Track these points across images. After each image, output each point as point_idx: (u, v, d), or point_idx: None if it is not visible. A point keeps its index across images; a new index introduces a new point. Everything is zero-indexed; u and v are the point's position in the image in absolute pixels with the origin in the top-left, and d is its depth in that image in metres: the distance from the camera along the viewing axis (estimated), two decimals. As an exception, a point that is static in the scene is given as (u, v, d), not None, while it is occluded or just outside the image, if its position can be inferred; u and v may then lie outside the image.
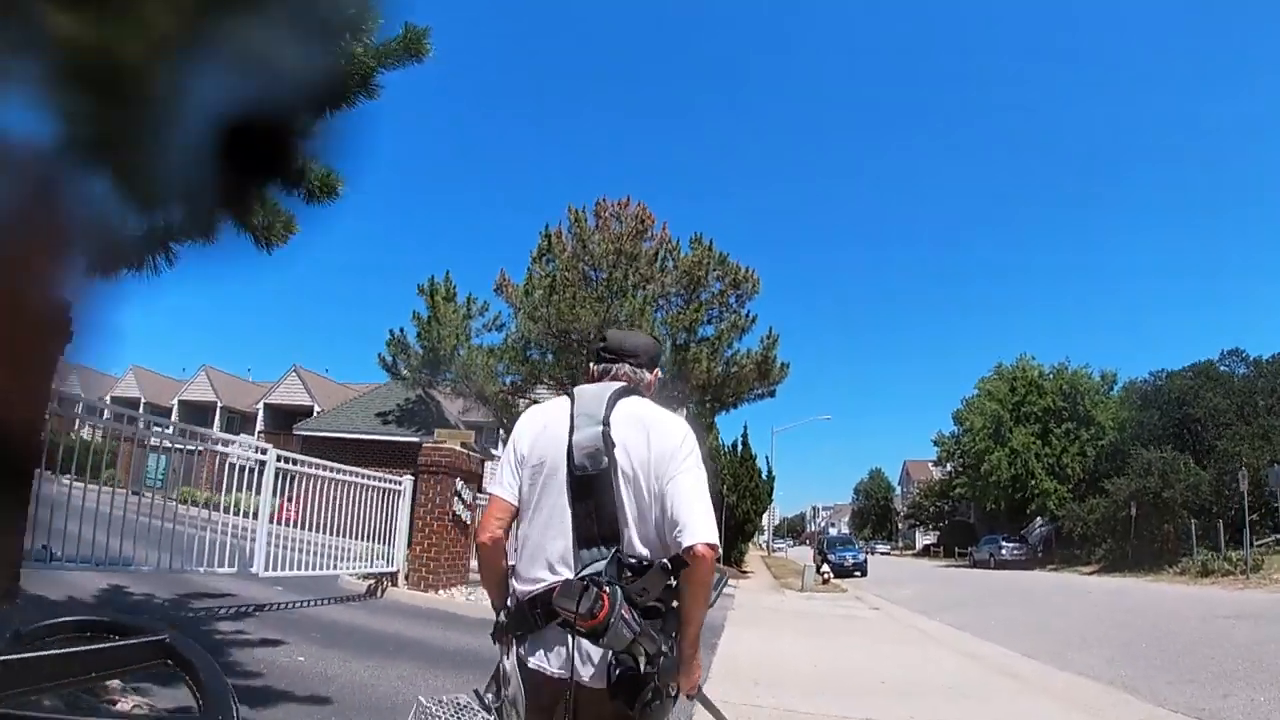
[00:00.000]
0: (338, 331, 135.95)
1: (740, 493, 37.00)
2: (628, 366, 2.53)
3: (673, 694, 2.26)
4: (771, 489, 42.06)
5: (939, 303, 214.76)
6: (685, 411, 24.19)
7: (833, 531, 69.42)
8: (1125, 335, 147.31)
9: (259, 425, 44.08)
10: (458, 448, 13.75)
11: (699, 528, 2.16)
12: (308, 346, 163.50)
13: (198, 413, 44.50)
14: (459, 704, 2.26)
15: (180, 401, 47.13)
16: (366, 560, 12.72)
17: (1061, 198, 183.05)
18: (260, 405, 46.00)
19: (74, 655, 1.09)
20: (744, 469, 37.99)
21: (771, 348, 21.81)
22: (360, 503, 12.61)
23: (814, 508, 72.34)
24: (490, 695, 2.34)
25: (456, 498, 13.28)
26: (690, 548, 2.12)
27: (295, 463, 11.45)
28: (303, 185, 4.49)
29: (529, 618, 2.30)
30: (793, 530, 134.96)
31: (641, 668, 2.11)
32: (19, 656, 0.99)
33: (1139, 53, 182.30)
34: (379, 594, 12.58)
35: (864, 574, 35.15)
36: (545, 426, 2.41)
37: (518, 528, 2.43)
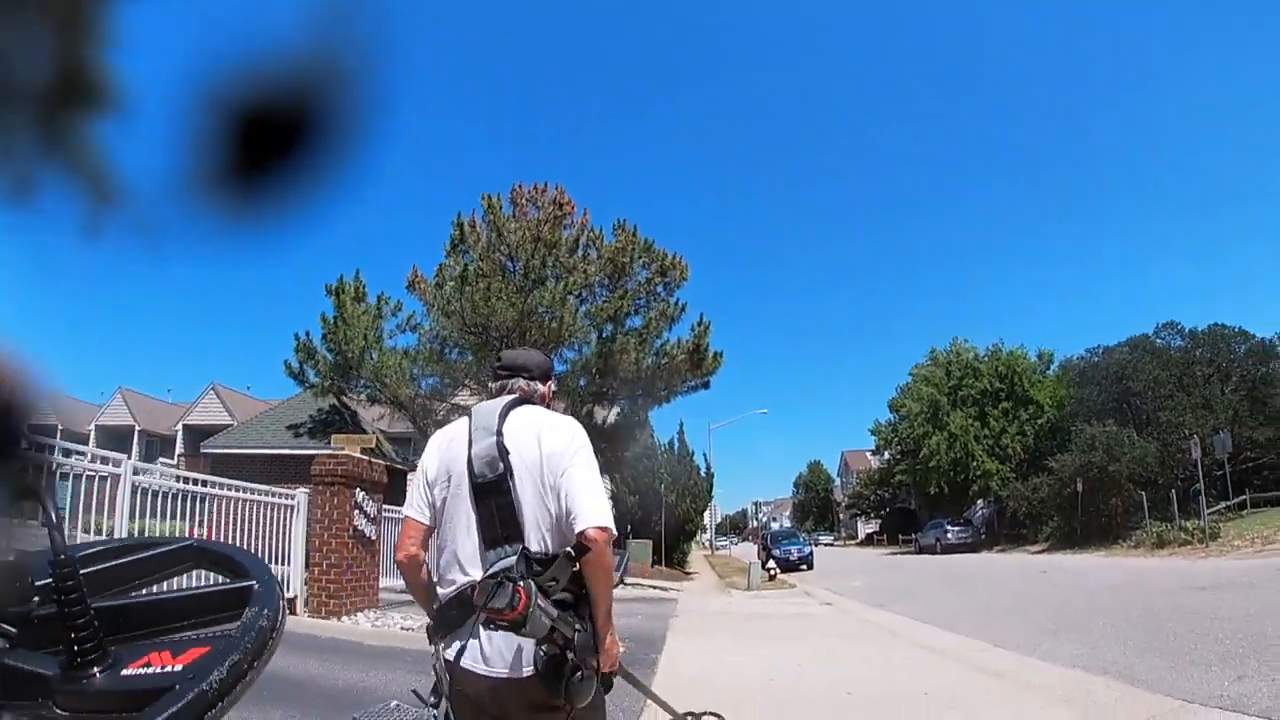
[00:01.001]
0: (260, 345, 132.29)
1: (679, 492, 35.77)
2: (522, 380, 2.73)
3: (592, 670, 2.32)
4: (711, 486, 40.97)
5: (871, 293, 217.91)
6: (617, 409, 22.91)
7: (775, 526, 68.78)
8: (1061, 317, 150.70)
9: (178, 448, 41.91)
10: (357, 454, 12.30)
11: (589, 513, 2.33)
12: (232, 363, 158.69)
13: (116, 438, 41.88)
14: (391, 708, 2.49)
15: (97, 426, 44.37)
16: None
17: (993, 184, 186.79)
18: (179, 427, 43.64)
19: (127, 565, 1.40)
20: (682, 467, 36.80)
21: (704, 335, 20.51)
22: (247, 521, 11.04)
23: (755, 503, 71.76)
24: (432, 695, 2.49)
25: (358, 511, 11.84)
26: (583, 532, 2.30)
27: (159, 475, 9.92)
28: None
29: (448, 617, 2.45)
30: (735, 527, 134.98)
31: (561, 651, 2.24)
32: (89, 570, 1.22)
33: (1068, 34, 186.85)
34: (275, 624, 11.02)
35: (810, 567, 34.21)
36: (448, 445, 2.60)
37: (436, 540, 2.60)
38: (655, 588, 22.87)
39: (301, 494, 11.90)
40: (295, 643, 9.78)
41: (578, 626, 2.29)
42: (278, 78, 0.88)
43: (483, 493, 2.42)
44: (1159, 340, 43.63)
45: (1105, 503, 33.33)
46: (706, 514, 52.55)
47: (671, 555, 35.94)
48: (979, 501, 50.19)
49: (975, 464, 46.51)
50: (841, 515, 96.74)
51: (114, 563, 1.40)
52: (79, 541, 2.48)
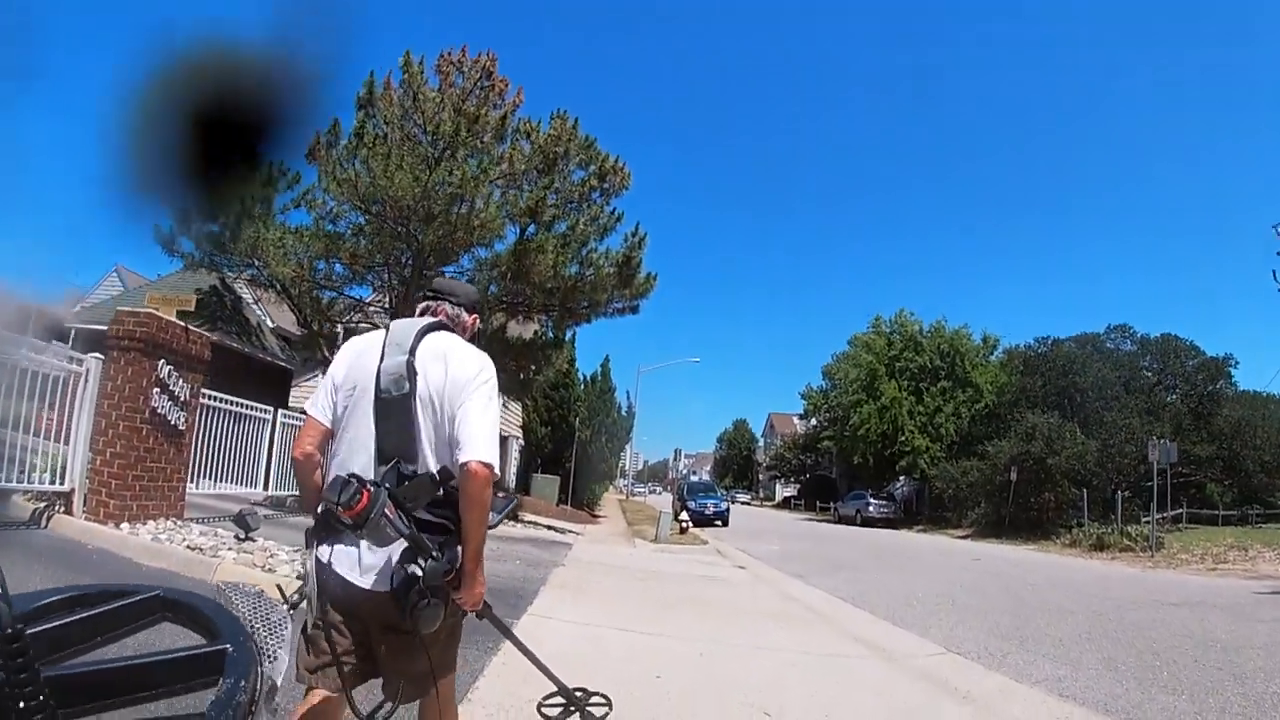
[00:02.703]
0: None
1: (595, 428, 33.25)
2: (448, 305, 2.82)
3: (441, 599, 2.35)
4: (631, 426, 38.61)
5: (815, 256, 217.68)
6: (534, 327, 20.25)
7: (695, 478, 67.23)
8: (1009, 306, 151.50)
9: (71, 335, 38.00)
10: (170, 317, 9.54)
11: (476, 446, 2.38)
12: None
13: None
14: (255, 593, 2.15)
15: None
16: (49, 470, 8.66)
17: (955, 166, 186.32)
18: (77, 310, 39.71)
19: (83, 622, 1.27)
20: (602, 402, 34.21)
21: (637, 248, 17.74)
22: (26, 393, 8.22)
23: (677, 450, 70.20)
24: (295, 594, 2.51)
25: (159, 389, 9.10)
26: (465, 464, 2.36)
27: None
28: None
29: (329, 523, 2.42)
30: (655, 476, 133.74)
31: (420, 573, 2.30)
32: (35, 630, 1.12)
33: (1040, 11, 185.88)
34: (43, 523, 8.41)
35: (725, 524, 32.44)
36: (359, 354, 2.63)
37: (332, 444, 2.62)
38: (552, 528, 20.64)
39: (93, 360, 9.05)
40: (50, 553, 7.33)
41: (435, 554, 2.32)
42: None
43: (385, 408, 2.48)
44: (1109, 342, 42.98)
45: (1037, 496, 32.01)
46: (625, 457, 50.65)
47: (581, 496, 33.60)
48: (901, 478, 48.62)
49: (904, 439, 44.93)
50: (761, 476, 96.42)
51: (69, 619, 1.28)
52: (29, 590, 1.49)
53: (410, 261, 17.60)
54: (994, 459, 34.52)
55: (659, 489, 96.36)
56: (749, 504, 78.32)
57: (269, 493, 14.36)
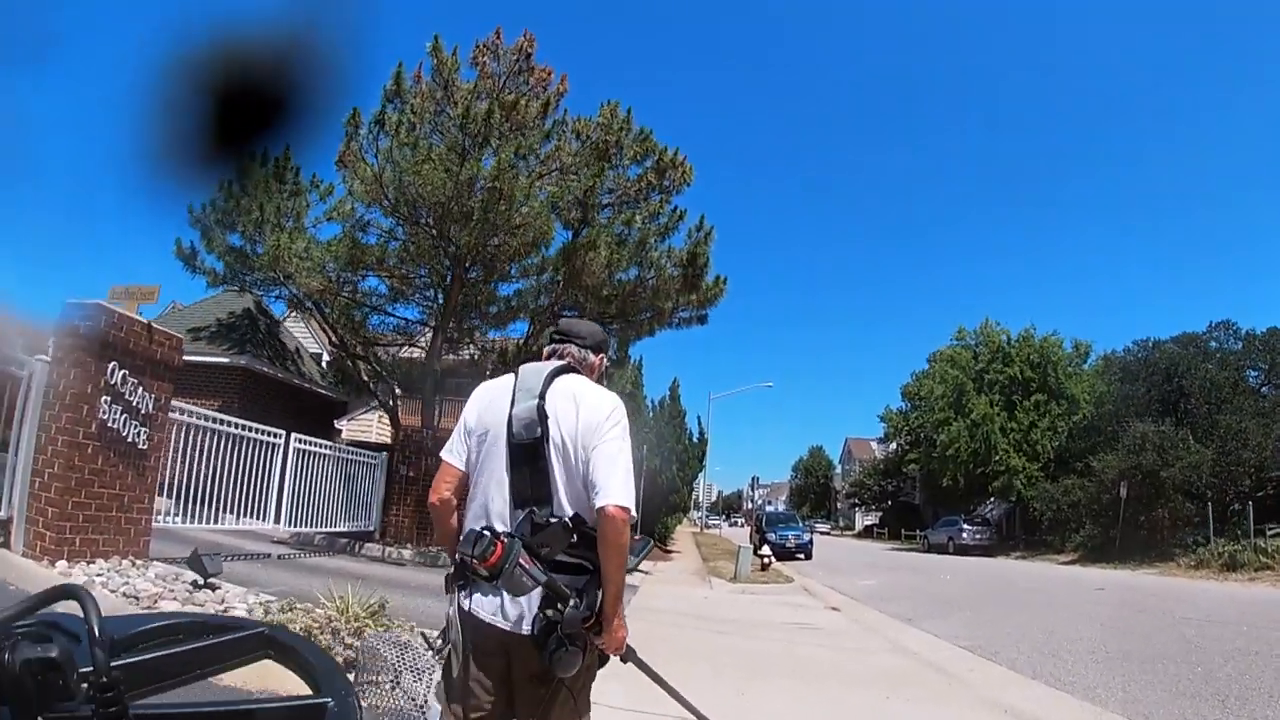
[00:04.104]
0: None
1: (664, 456, 30.93)
2: (574, 347, 2.80)
3: (581, 645, 2.33)
4: (704, 454, 36.24)
5: (889, 276, 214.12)
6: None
7: (771, 508, 64.32)
8: (1094, 310, 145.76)
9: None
10: (128, 313, 7.79)
11: (610, 490, 2.35)
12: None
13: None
14: (402, 642, 2.49)
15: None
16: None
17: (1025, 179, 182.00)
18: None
19: (182, 655, 1.23)
20: (672, 428, 31.92)
21: (703, 244, 15.57)
22: None
23: (754, 478, 66.96)
24: (439, 639, 2.55)
25: (108, 398, 7.33)
26: (601, 508, 2.33)
27: None
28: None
29: (466, 569, 2.41)
30: (729, 508, 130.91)
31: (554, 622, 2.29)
32: (133, 660, 1.14)
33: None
34: (-28, 561, 6.92)
35: (809, 557, 30.13)
36: (491, 399, 2.65)
37: (469, 490, 2.63)
38: (619, 567, 18.45)
39: (38, 363, 7.27)
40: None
41: (575, 600, 2.31)
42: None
43: (518, 453, 2.48)
44: (1212, 341, 39.63)
45: (1148, 513, 28.91)
46: (698, 486, 48.40)
47: (652, 530, 31.16)
48: (991, 500, 45.51)
49: (998, 458, 41.53)
50: (840, 504, 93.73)
51: (166, 652, 1.23)
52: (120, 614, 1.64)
53: (450, 270, 15.77)
54: (1100, 475, 31.37)
55: (738, 519, 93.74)
56: (829, 534, 75.45)
57: (295, 529, 12.71)
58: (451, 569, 2.54)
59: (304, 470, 12.65)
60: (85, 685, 1.00)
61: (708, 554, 28.60)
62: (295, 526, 12.55)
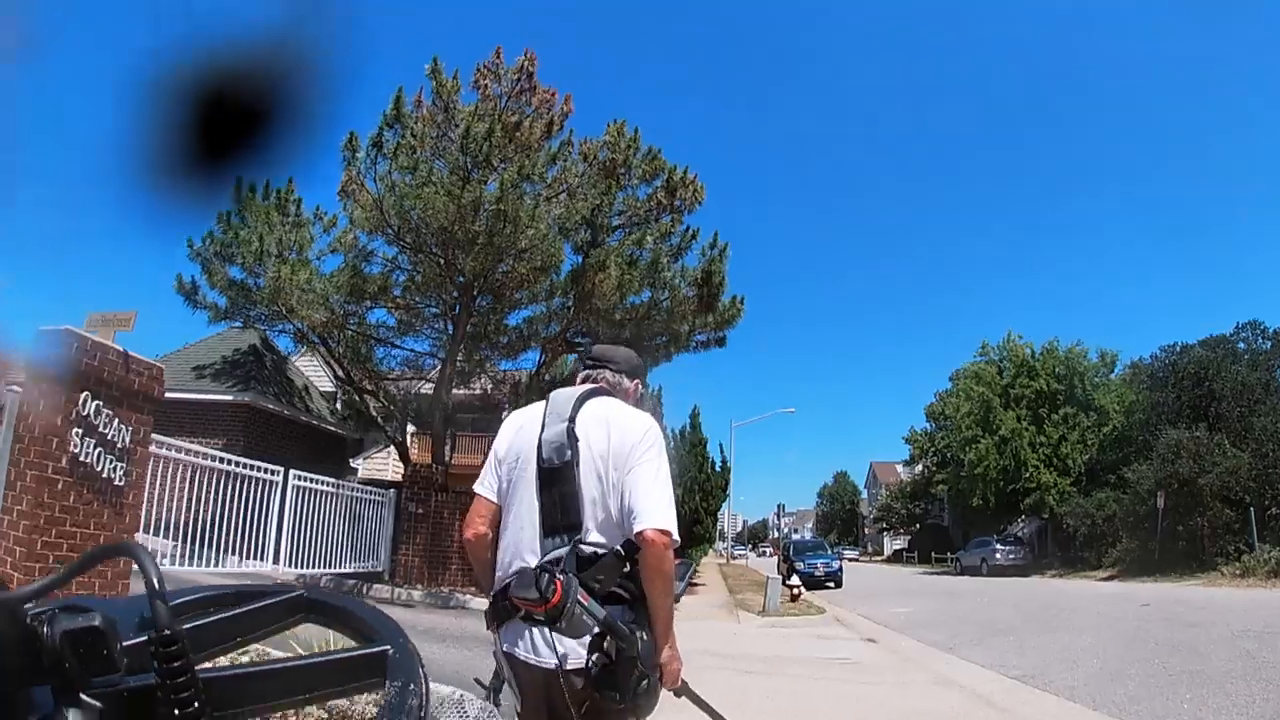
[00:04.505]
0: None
1: (687, 485, 30.16)
2: (608, 372, 2.73)
3: (657, 679, 2.28)
4: (727, 483, 35.40)
5: (905, 296, 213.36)
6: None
7: (797, 536, 63.40)
8: (1118, 318, 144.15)
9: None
10: (104, 340, 7.29)
11: (652, 514, 2.23)
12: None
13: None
14: (456, 700, 2.46)
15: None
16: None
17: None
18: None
19: (220, 623, 1.16)
20: (693, 457, 31.18)
21: (717, 262, 14.98)
22: None
23: (780, 506, 66.32)
24: (493, 681, 2.47)
25: (79, 430, 6.84)
26: (641, 533, 2.21)
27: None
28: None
29: (501, 607, 2.39)
30: (754, 537, 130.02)
31: (616, 656, 2.16)
32: (190, 625, 1.07)
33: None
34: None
35: (839, 585, 29.42)
36: (520, 427, 2.57)
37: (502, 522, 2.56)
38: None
39: (9, 393, 6.82)
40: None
41: (642, 635, 2.21)
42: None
43: (547, 478, 2.39)
44: (1240, 342, 38.52)
45: (1186, 523, 28.07)
46: (722, 516, 47.60)
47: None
48: (1021, 519, 44.56)
49: (1028, 474, 40.60)
50: (867, 529, 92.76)
51: (214, 618, 1.18)
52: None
53: (458, 300, 15.26)
54: (1135, 486, 30.59)
55: (766, 549, 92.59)
56: (857, 560, 74.31)
57: (300, 571, 12.17)
58: (489, 605, 2.47)
59: (305, 509, 12.17)
60: (125, 659, 0.92)
61: (735, 585, 27.77)
62: (297, 568, 12.03)
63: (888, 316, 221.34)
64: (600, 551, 2.26)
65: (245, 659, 1.32)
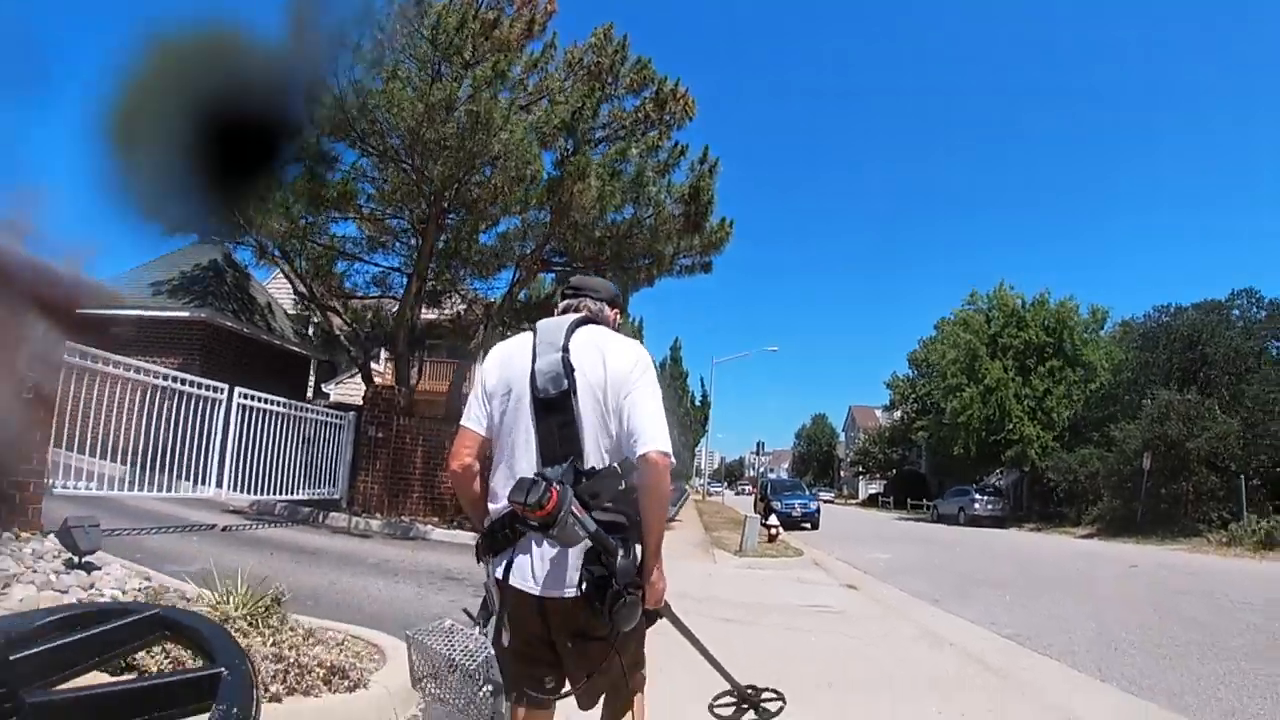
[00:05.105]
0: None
1: (666, 419, 29.52)
2: (589, 300, 2.71)
3: (639, 596, 2.29)
4: (707, 418, 34.86)
5: (893, 241, 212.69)
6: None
7: (774, 476, 63.45)
8: (1112, 274, 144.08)
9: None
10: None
11: (650, 435, 2.28)
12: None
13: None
14: (446, 628, 2.27)
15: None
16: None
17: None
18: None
19: (77, 643, 1.15)
20: (672, 391, 30.60)
21: (706, 177, 14.08)
22: None
23: (759, 443, 65.19)
24: (481, 614, 2.46)
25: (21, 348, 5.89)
26: (644, 455, 2.24)
27: None
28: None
29: (499, 536, 2.40)
30: (731, 475, 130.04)
31: (609, 576, 2.21)
32: (29, 653, 1.08)
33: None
34: None
35: (815, 526, 29.04)
36: (509, 357, 2.55)
37: (492, 454, 2.54)
38: (613, 540, 17.15)
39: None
40: None
41: (621, 551, 2.24)
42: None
43: (544, 409, 2.40)
44: (1234, 309, 37.66)
45: (1169, 486, 27.70)
46: (700, 453, 47.29)
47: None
48: (999, 470, 44.42)
49: (1011, 426, 40.14)
50: (844, 473, 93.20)
51: (62, 641, 1.16)
52: (15, 611, 1.89)
53: (429, 213, 14.28)
54: (1121, 445, 30.17)
55: (745, 487, 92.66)
56: (832, 502, 74.30)
57: (254, 497, 11.43)
58: (480, 537, 2.49)
59: (253, 430, 11.34)
60: None
61: (710, 523, 27.36)
62: (242, 493, 11.22)
63: (878, 263, 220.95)
64: (598, 467, 2.28)
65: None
